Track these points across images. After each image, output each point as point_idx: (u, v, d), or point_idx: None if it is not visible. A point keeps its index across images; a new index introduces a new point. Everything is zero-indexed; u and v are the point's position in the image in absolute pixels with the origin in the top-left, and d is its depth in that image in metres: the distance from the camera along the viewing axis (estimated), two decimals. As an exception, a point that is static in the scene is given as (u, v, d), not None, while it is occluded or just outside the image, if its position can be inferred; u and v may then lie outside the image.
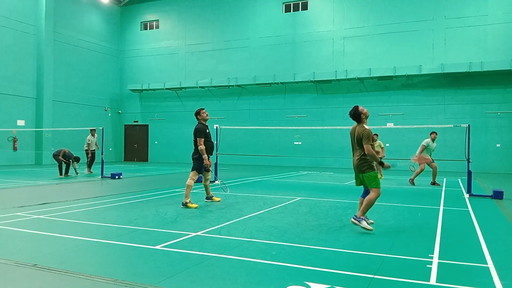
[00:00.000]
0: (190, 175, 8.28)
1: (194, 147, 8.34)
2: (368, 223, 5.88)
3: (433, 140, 12.94)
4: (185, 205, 7.96)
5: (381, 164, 6.15)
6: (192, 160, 8.38)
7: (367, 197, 6.04)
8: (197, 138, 8.18)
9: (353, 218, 6.00)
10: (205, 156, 8.15)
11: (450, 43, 20.92)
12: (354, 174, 6.38)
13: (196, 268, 4.08)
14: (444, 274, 3.97)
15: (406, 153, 19.96)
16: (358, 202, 6.40)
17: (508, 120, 19.93)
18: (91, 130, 16.74)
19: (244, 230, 5.87)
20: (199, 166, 8.27)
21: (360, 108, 6.25)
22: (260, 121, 24.48)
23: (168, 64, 27.56)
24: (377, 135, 15.11)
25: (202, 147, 8.11)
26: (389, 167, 6.21)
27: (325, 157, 22.64)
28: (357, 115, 6.19)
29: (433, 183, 12.93)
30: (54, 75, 23.99)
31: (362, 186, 6.31)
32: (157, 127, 27.95)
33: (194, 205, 7.96)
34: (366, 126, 6.12)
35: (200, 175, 8.57)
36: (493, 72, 19.74)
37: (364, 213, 5.98)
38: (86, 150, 16.66)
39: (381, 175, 15.23)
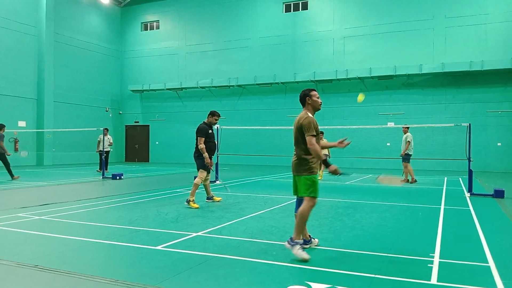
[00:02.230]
0: (198, 174, 8.29)
1: (195, 147, 8.40)
2: (303, 250, 4.38)
3: (405, 133, 13.50)
4: (188, 202, 7.99)
5: (325, 164, 4.73)
6: (195, 159, 8.41)
7: (299, 210, 4.59)
8: (198, 137, 8.21)
9: (288, 241, 4.51)
10: (205, 154, 8.14)
11: (451, 42, 20.91)
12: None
13: (197, 269, 4.09)
14: (445, 273, 3.97)
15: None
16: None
17: (508, 119, 19.90)
18: (103, 129, 16.85)
19: (245, 230, 5.87)
20: (204, 163, 8.26)
21: (308, 90, 4.89)
22: (260, 121, 24.48)
23: (168, 64, 27.58)
24: (322, 133, 14.69)
25: (202, 146, 8.14)
26: (337, 173, 4.63)
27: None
28: (301, 97, 4.89)
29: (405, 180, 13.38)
30: (54, 76, 24.01)
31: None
32: (158, 127, 27.97)
33: (196, 205, 7.96)
34: (309, 114, 4.75)
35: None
36: (494, 71, 19.73)
37: (298, 233, 4.49)
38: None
39: (321, 175, 14.44)
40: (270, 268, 4.13)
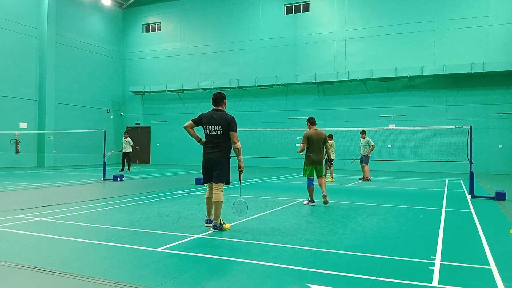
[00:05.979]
0: (220, 188, 6.01)
1: (219, 147, 5.96)
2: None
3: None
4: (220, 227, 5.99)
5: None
6: (219, 165, 5.95)
7: (323, 181, 8.82)
8: (233, 132, 5.94)
9: (325, 193, 8.57)
10: (241, 157, 6.15)
11: (452, 44, 20.90)
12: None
13: (198, 270, 4.08)
14: (447, 275, 3.96)
15: (408, 154, 19.95)
16: (316, 186, 8.81)
17: (510, 121, 19.88)
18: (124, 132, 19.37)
19: (246, 232, 5.87)
20: (229, 174, 6.12)
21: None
22: (261, 123, 24.48)
23: (170, 66, 27.61)
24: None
25: (240, 145, 6.04)
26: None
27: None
28: (313, 120, 8.99)
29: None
30: (56, 78, 24.06)
31: (310, 176, 8.68)
32: (159, 129, 27.99)
33: (227, 225, 6.11)
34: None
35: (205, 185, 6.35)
36: (495, 73, 19.71)
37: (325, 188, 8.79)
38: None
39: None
40: (271, 270, 4.13)
